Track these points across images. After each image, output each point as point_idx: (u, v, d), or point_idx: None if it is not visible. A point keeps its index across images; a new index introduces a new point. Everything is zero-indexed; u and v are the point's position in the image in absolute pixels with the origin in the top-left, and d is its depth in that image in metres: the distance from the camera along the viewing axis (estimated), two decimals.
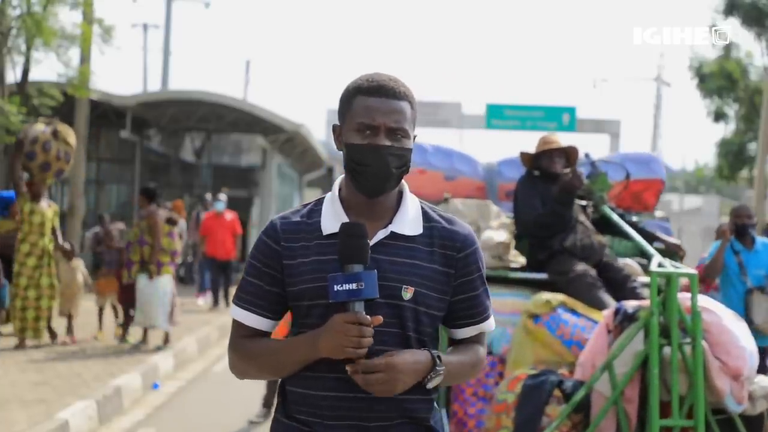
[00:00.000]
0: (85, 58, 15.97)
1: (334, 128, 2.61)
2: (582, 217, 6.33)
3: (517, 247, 6.48)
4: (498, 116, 33.23)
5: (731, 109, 28.80)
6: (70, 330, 11.62)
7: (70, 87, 14.91)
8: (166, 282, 11.46)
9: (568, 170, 6.28)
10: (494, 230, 6.31)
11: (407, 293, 2.50)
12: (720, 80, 27.40)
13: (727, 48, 27.71)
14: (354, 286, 2.40)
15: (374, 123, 2.50)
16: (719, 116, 28.72)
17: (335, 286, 2.41)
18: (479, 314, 2.66)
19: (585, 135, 29.30)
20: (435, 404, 2.63)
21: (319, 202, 2.63)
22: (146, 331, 11.57)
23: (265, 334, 2.63)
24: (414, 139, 2.60)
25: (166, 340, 11.55)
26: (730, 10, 26.55)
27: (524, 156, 6.53)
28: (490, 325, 2.70)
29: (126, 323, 11.93)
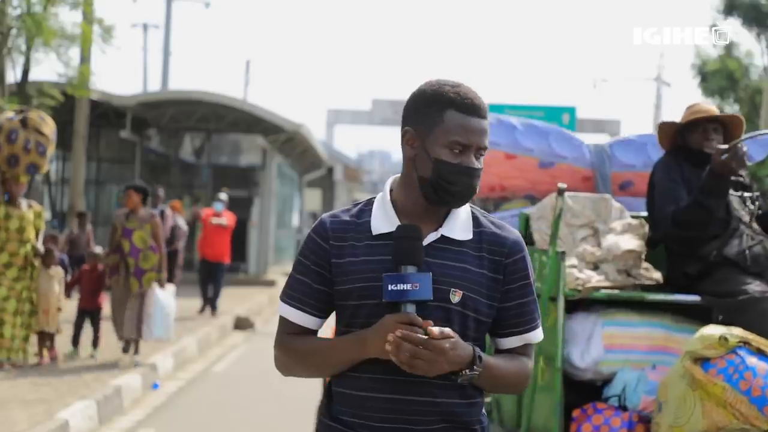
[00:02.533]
0: (85, 58, 15.97)
1: (406, 132, 2.57)
2: (746, 217, 4.69)
3: (650, 258, 4.85)
4: None
5: (732, 109, 28.83)
6: (51, 346, 9.98)
7: (70, 87, 14.92)
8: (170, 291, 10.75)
9: (723, 147, 4.54)
10: (618, 234, 4.83)
11: (456, 297, 2.49)
12: (721, 80, 27.42)
13: (728, 48, 27.75)
14: (409, 286, 2.41)
15: (470, 143, 2.51)
16: None
17: (390, 286, 2.42)
18: (526, 323, 2.61)
19: (585, 135, 29.33)
20: (483, 410, 2.61)
21: (369, 203, 2.63)
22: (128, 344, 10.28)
23: (312, 332, 2.62)
24: None
25: (136, 350, 10.35)
26: (730, 10, 26.58)
27: (665, 128, 4.90)
28: (537, 336, 2.64)
29: (96, 338, 10.36)
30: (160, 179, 24.79)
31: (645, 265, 4.75)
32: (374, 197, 2.65)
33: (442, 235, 2.54)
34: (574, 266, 4.74)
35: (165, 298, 10.39)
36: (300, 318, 2.60)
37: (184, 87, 43.18)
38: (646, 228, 4.85)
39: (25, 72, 14.51)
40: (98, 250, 11.54)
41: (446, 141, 2.50)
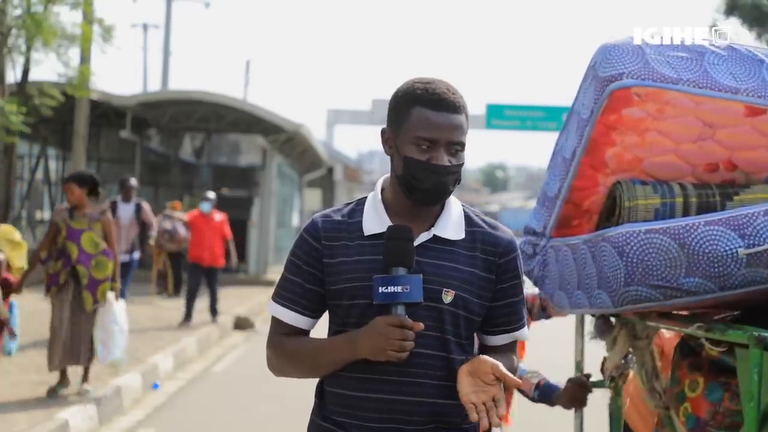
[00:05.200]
0: (85, 58, 15.96)
1: (384, 132, 2.59)
2: None
3: None
4: (498, 116, 33.21)
5: None
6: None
7: (70, 87, 14.89)
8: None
9: None
10: None
11: (448, 296, 2.51)
12: None
13: None
14: (399, 288, 2.43)
15: (435, 138, 2.49)
16: None
17: (380, 288, 2.44)
18: (515, 321, 2.66)
19: None
20: None
21: (361, 202, 2.64)
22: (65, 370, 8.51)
23: (304, 333, 2.63)
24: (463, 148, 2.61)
25: (86, 377, 8.60)
26: (730, 10, 26.60)
27: None
28: (524, 333, 2.69)
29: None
30: (160, 179, 24.81)
31: None
32: (365, 197, 2.65)
33: (434, 235, 2.55)
34: None
35: (120, 313, 8.57)
36: (292, 318, 2.61)
37: (184, 87, 43.25)
38: None
39: (25, 72, 14.51)
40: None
41: (412, 137, 2.50)
